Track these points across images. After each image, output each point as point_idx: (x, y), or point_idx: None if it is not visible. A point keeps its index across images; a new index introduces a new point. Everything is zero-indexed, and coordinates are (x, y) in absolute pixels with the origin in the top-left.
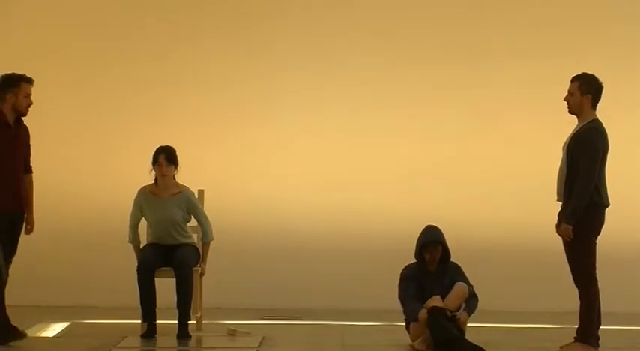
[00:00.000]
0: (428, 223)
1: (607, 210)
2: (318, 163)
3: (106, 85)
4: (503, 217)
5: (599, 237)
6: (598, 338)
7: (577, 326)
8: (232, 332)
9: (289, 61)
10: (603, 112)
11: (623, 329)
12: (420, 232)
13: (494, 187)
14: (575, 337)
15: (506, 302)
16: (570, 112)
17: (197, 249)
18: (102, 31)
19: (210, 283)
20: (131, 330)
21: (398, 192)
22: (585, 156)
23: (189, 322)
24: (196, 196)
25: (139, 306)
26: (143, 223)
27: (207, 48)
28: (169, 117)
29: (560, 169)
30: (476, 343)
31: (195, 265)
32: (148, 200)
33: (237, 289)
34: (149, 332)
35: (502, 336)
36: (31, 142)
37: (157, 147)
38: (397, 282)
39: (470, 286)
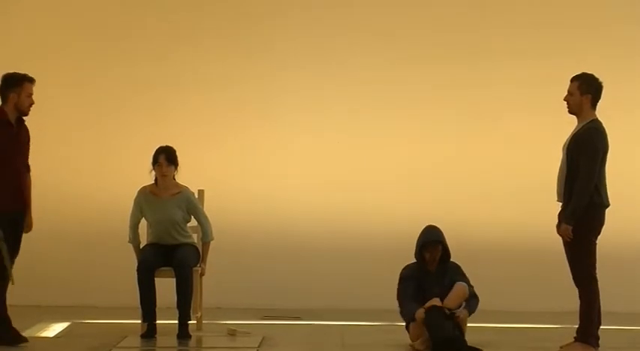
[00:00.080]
0: (428, 223)
1: (607, 210)
2: (318, 163)
3: (106, 85)
4: (503, 217)
5: (599, 237)
6: (598, 338)
7: (577, 326)
8: (232, 332)
9: (289, 61)
10: (603, 112)
11: (623, 329)
12: (420, 232)
13: (494, 187)
14: (575, 337)
15: (506, 302)
16: (570, 112)
17: (197, 249)
18: (102, 31)
19: (210, 283)
20: (131, 330)
21: (398, 192)
22: (585, 156)
23: (190, 322)
24: (196, 196)
25: (139, 306)
26: (143, 223)
27: (207, 48)
28: (169, 117)
29: (560, 169)
30: (474, 346)
31: (195, 265)
32: (148, 200)
33: (237, 289)
34: (149, 332)
35: (502, 336)
36: (31, 142)
37: (157, 147)
38: (397, 282)
39: (470, 286)
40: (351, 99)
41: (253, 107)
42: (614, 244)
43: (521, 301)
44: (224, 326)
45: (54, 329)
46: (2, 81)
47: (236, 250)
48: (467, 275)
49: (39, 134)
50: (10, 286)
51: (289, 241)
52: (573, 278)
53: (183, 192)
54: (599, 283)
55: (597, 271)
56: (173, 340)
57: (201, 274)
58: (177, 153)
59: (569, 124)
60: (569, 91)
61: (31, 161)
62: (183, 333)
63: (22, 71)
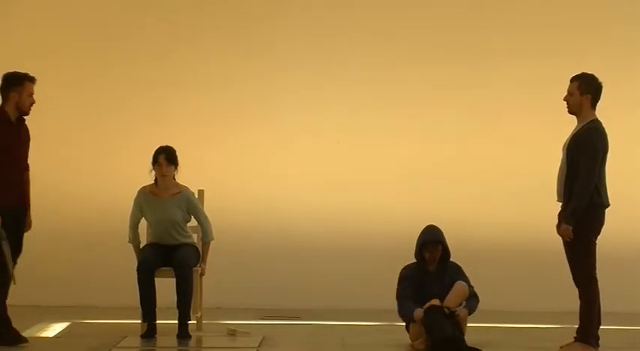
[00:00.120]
0: (428, 223)
1: (607, 210)
2: (318, 163)
3: (106, 85)
4: (503, 217)
5: (599, 237)
6: (598, 338)
7: (577, 326)
8: (232, 332)
9: (289, 61)
10: (603, 112)
11: (623, 329)
12: (420, 232)
13: (494, 187)
14: (575, 337)
15: (506, 302)
16: (570, 112)
17: (197, 249)
18: (102, 31)
19: (210, 283)
20: (131, 330)
21: (398, 192)
22: (585, 156)
23: (189, 322)
24: (196, 196)
25: (139, 306)
26: (143, 223)
27: (207, 48)
28: (169, 117)
29: (560, 169)
30: (474, 346)
31: (195, 265)
32: (148, 200)
33: (237, 289)
34: (149, 332)
35: (502, 336)
36: (31, 142)
37: (157, 147)
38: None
39: (470, 286)
40: (351, 99)
41: (253, 107)
42: (614, 244)
43: (521, 301)
44: (224, 326)
45: (54, 329)
46: (3, 80)
47: (236, 250)
48: (467, 275)
49: (39, 134)
50: (11, 286)
51: (289, 241)
52: (573, 278)
53: (183, 192)
54: (599, 283)
55: (597, 271)
56: (173, 340)
57: (201, 274)
58: (178, 153)
59: (569, 124)
60: (568, 91)
61: (30, 161)
62: (183, 333)
63: (22, 71)
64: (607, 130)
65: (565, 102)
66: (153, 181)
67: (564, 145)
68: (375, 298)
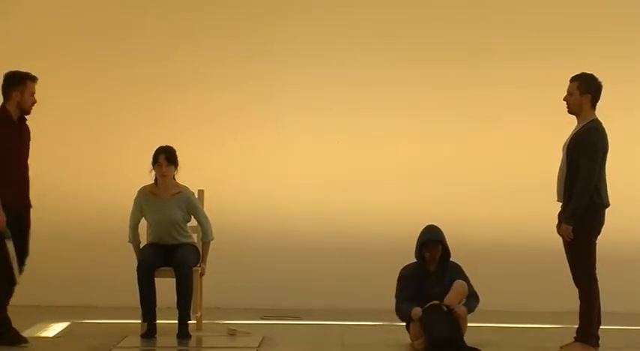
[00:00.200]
0: (428, 223)
1: (607, 210)
2: (318, 163)
3: (106, 85)
4: (503, 217)
5: (599, 237)
6: (598, 338)
7: (577, 326)
8: (232, 332)
9: (289, 61)
10: (603, 112)
11: (623, 329)
12: (420, 232)
13: (494, 187)
14: (575, 337)
15: (506, 302)
16: (570, 112)
17: (197, 249)
18: (102, 31)
19: (210, 283)
20: (131, 330)
21: (398, 192)
22: (585, 156)
23: (189, 322)
24: (196, 196)
25: (139, 306)
26: (143, 223)
27: (207, 48)
28: (169, 117)
29: (560, 169)
30: (474, 346)
31: (195, 265)
32: (148, 200)
33: (237, 289)
34: (149, 332)
35: (502, 336)
36: (31, 142)
37: (157, 147)
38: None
39: (470, 286)
40: (351, 99)
41: (253, 107)
42: (614, 244)
43: (521, 301)
44: (224, 326)
45: (54, 329)
46: (5, 79)
47: (236, 250)
48: (467, 275)
49: (39, 134)
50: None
51: (289, 241)
52: (573, 278)
53: (183, 192)
54: (599, 283)
55: (597, 271)
56: (173, 340)
57: (201, 274)
58: (178, 153)
59: (569, 124)
60: (568, 91)
61: (31, 161)
62: (183, 333)
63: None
64: (607, 130)
65: (565, 102)
66: (153, 181)
67: (564, 145)
68: (375, 298)
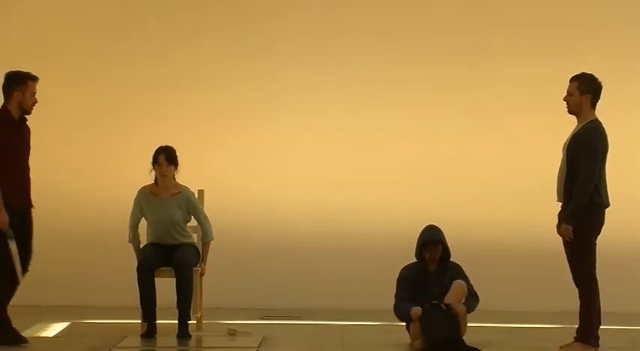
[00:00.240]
0: (428, 223)
1: (607, 210)
2: (318, 163)
3: (106, 85)
4: (503, 217)
5: (599, 237)
6: (598, 338)
7: (577, 326)
8: (232, 332)
9: (289, 61)
10: (603, 112)
11: (623, 329)
12: (420, 232)
13: (494, 187)
14: (575, 337)
15: (506, 302)
16: (570, 112)
17: (197, 249)
18: (102, 31)
19: (210, 283)
20: (131, 330)
21: (398, 192)
22: (585, 156)
23: (189, 322)
24: (196, 196)
25: (139, 306)
26: (143, 223)
27: (207, 48)
28: (169, 117)
29: (560, 169)
30: (474, 346)
31: (195, 265)
32: (148, 200)
33: (237, 289)
34: (149, 332)
35: (502, 336)
36: (32, 142)
37: (157, 147)
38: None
39: (470, 286)
40: (351, 99)
41: (253, 107)
42: (614, 244)
43: (521, 301)
44: (224, 326)
45: (54, 329)
46: (6, 79)
47: (236, 250)
48: (467, 275)
49: (39, 134)
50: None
51: (289, 241)
52: (573, 278)
53: (183, 192)
54: (599, 283)
55: (597, 271)
56: (173, 340)
57: (201, 274)
58: (178, 153)
59: (569, 124)
60: (568, 91)
61: (31, 161)
62: (183, 333)
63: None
64: (607, 130)
65: (565, 102)
66: (153, 181)
67: (564, 145)
68: (375, 298)
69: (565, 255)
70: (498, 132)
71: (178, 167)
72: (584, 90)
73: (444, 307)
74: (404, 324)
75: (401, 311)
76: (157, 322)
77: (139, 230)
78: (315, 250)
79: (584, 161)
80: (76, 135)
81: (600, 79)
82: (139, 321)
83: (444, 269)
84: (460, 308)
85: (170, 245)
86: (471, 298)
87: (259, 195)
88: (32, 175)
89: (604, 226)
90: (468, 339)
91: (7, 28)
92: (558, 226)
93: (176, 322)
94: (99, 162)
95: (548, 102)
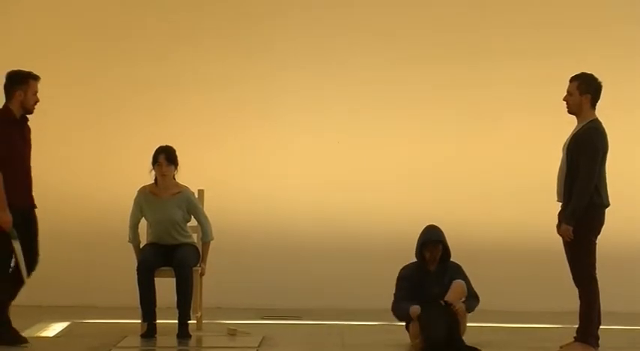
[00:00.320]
0: (428, 223)
1: (607, 210)
2: (318, 163)
3: (106, 85)
4: (503, 217)
5: (599, 237)
6: (598, 338)
7: (577, 326)
8: (232, 332)
9: (289, 61)
10: (603, 112)
11: (623, 329)
12: (420, 232)
13: (494, 187)
14: (575, 337)
15: (506, 302)
16: (569, 112)
17: (197, 249)
18: (102, 31)
19: (210, 283)
20: (131, 330)
21: (398, 192)
22: (585, 156)
23: (189, 322)
24: (196, 196)
25: (139, 306)
26: (143, 223)
27: (207, 48)
28: (169, 117)
29: (560, 169)
30: (474, 346)
31: (195, 265)
32: (148, 200)
33: (237, 289)
34: (149, 332)
35: (502, 336)
36: (32, 142)
37: (157, 147)
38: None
39: (470, 286)
40: (351, 99)
41: (253, 107)
42: (614, 244)
43: (521, 301)
44: (224, 326)
45: (54, 329)
46: (7, 79)
47: (236, 250)
48: (467, 275)
49: (39, 134)
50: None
51: (289, 241)
52: (573, 278)
53: (183, 192)
54: (599, 283)
55: (597, 271)
56: (173, 340)
57: (201, 274)
58: (177, 153)
59: (569, 124)
60: (568, 91)
61: (31, 161)
62: (183, 333)
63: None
64: (607, 130)
65: (565, 102)
66: (153, 181)
67: (564, 145)
68: (375, 298)
69: (565, 255)
70: (498, 132)
71: (178, 167)
72: (584, 90)
73: (443, 304)
74: (403, 324)
75: (400, 310)
76: (157, 322)
77: (139, 230)
78: (315, 250)
79: (584, 161)
80: (76, 135)
81: (600, 79)
82: (139, 321)
83: (444, 269)
84: (460, 306)
85: (170, 245)
86: (471, 299)
87: (259, 195)
88: (32, 175)
89: (604, 226)
90: (468, 339)
91: (7, 28)
92: (558, 226)
93: (176, 322)
94: (99, 162)
95: (548, 102)
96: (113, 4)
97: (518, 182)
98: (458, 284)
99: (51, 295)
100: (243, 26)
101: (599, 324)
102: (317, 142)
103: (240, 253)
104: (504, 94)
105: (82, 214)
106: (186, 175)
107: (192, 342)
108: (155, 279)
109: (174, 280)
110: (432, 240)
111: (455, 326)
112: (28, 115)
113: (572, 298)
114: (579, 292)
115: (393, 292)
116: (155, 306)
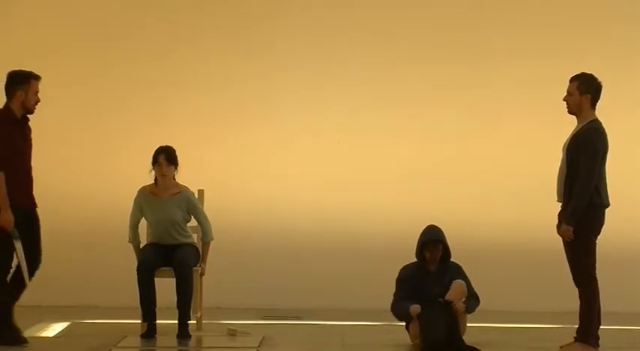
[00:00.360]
0: (428, 223)
1: (607, 210)
2: (318, 163)
3: (106, 85)
4: (503, 217)
5: (599, 237)
6: (598, 338)
7: (577, 326)
8: (232, 332)
9: (289, 61)
10: (603, 112)
11: (623, 329)
12: (420, 232)
13: (494, 187)
14: (575, 337)
15: (506, 302)
16: (569, 112)
17: (197, 249)
18: (102, 31)
19: (210, 283)
20: (131, 330)
21: (398, 192)
22: (585, 156)
23: (189, 322)
24: (196, 196)
25: (139, 306)
26: (143, 223)
27: (207, 48)
28: (169, 117)
29: (560, 169)
30: (474, 346)
31: (195, 265)
32: (148, 200)
33: (237, 289)
34: (149, 332)
35: (502, 336)
36: (32, 142)
37: (157, 147)
38: None
39: (471, 287)
40: (351, 99)
41: (253, 107)
42: (614, 244)
43: (521, 301)
44: (224, 326)
45: (54, 329)
46: (8, 79)
47: (236, 250)
48: (467, 275)
49: (39, 134)
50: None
51: (289, 241)
52: (573, 278)
53: (183, 192)
54: (599, 283)
55: (597, 271)
56: (173, 340)
57: (201, 274)
58: (177, 153)
59: (569, 124)
60: (568, 91)
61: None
62: (183, 333)
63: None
64: (607, 130)
65: (565, 102)
66: (153, 181)
67: (564, 145)
68: (375, 298)
69: (565, 255)
70: (498, 132)
71: (178, 167)
72: (584, 90)
73: (442, 302)
74: (403, 324)
75: (399, 309)
76: (157, 322)
77: (139, 230)
78: (315, 250)
79: (584, 161)
80: (76, 135)
81: (600, 79)
82: (139, 321)
83: (444, 269)
84: (460, 305)
85: (170, 245)
86: (471, 299)
87: (259, 195)
88: (33, 175)
89: (604, 226)
90: (468, 339)
91: (7, 28)
92: (558, 227)
93: (176, 322)
94: (99, 162)
95: (548, 102)
96: (113, 4)
97: (518, 182)
98: (458, 284)
99: (51, 295)
100: (243, 26)
101: (599, 324)
102: (317, 142)
103: (240, 253)
104: (504, 94)
105: (82, 214)
106: (186, 175)
107: (192, 342)
108: (155, 279)
109: (174, 280)
110: (432, 240)
111: (455, 326)
112: (28, 115)
113: (572, 298)
114: (579, 292)
115: (393, 292)
116: (155, 306)
